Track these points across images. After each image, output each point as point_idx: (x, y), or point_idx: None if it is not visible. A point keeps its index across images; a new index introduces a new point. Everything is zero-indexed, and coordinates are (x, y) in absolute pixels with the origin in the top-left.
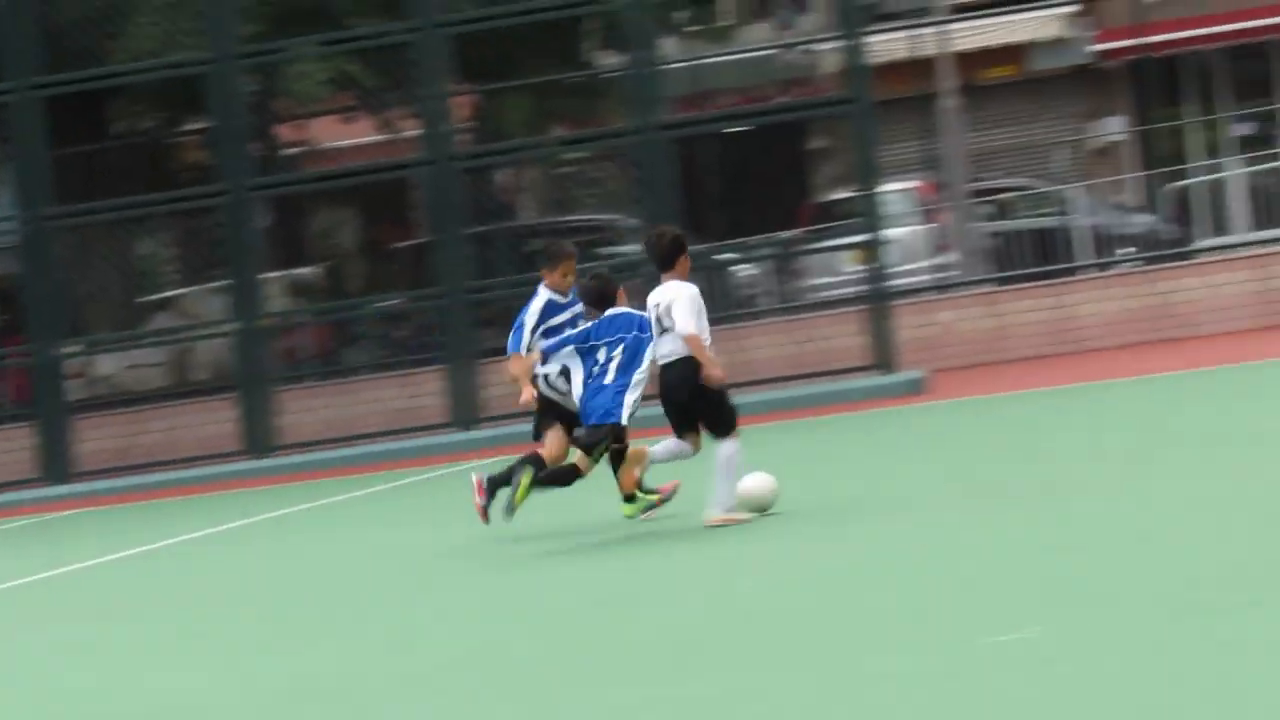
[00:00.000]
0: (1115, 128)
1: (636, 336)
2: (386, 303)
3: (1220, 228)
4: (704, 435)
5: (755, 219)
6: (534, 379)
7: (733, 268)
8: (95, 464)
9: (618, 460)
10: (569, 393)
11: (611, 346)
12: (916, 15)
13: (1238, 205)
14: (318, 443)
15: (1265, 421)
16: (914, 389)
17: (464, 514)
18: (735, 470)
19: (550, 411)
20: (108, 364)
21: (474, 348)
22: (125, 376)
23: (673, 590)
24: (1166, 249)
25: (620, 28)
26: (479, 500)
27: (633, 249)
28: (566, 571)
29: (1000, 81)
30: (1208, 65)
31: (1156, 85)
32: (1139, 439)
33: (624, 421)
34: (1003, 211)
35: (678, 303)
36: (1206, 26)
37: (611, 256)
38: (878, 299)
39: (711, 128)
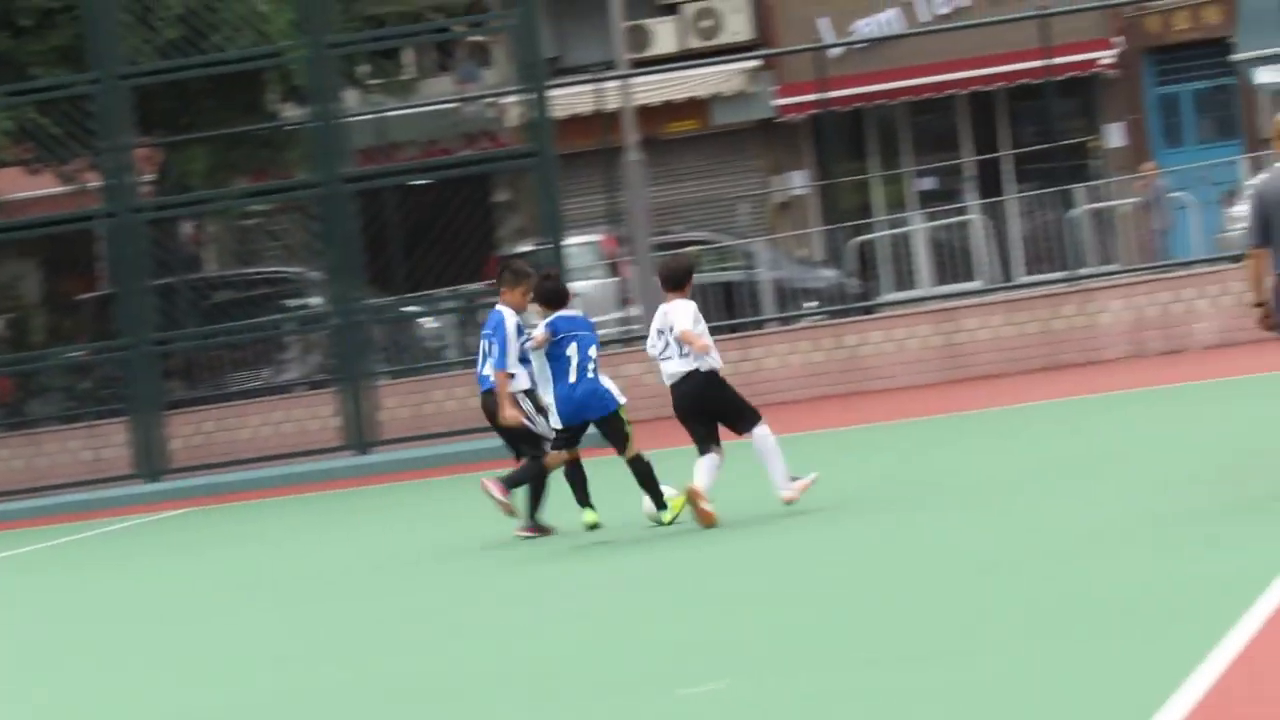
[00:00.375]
0: (798, 182)
1: (590, 335)
2: (71, 354)
3: (904, 282)
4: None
5: (441, 272)
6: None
7: (419, 320)
8: None
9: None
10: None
11: (582, 343)
12: (599, 69)
13: (921, 260)
14: (4, 494)
15: (947, 474)
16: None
17: (153, 564)
18: (777, 448)
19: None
20: None
21: (159, 399)
22: None
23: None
24: (851, 303)
25: (302, 80)
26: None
27: (317, 301)
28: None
29: (683, 135)
30: (891, 120)
31: (839, 140)
32: (823, 492)
33: (622, 401)
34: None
35: (677, 314)
36: (889, 81)
37: (299, 308)
38: None
39: (394, 180)
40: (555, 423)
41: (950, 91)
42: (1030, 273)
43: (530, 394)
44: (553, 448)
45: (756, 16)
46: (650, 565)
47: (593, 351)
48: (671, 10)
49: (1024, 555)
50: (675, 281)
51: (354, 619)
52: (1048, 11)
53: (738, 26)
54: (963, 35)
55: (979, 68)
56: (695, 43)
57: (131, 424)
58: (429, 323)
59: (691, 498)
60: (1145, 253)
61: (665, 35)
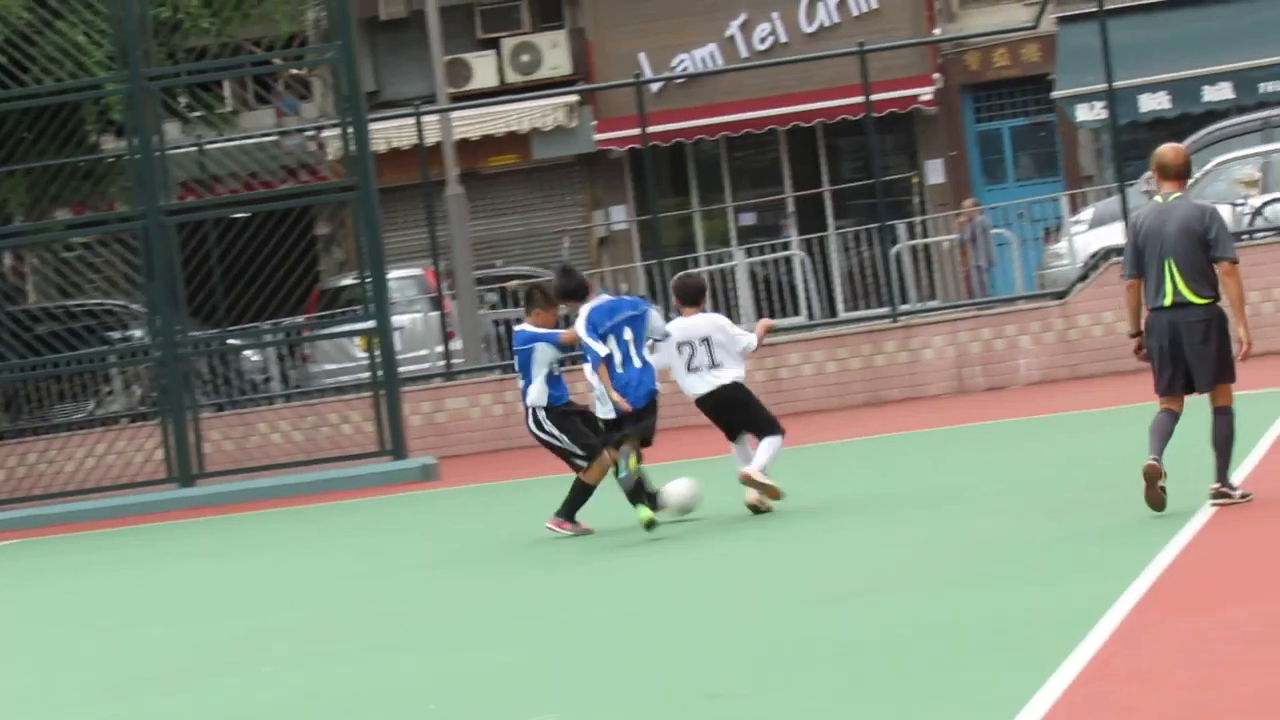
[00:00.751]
0: (619, 217)
1: (645, 310)
2: None
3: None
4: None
5: (263, 305)
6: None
7: (242, 353)
8: None
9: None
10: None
11: (635, 324)
12: (419, 103)
13: (743, 294)
14: None
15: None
16: (424, 475)
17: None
18: (777, 452)
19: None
20: None
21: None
22: None
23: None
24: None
25: (121, 113)
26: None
27: (139, 334)
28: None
29: (504, 169)
30: (711, 155)
31: (660, 174)
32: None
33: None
34: (509, 299)
35: (727, 324)
36: (709, 117)
37: (122, 340)
38: (386, 385)
39: (215, 213)
40: (609, 413)
41: (770, 127)
42: (852, 308)
43: (550, 410)
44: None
45: (576, 51)
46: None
47: (628, 334)
48: (491, 45)
49: (850, 587)
50: (693, 298)
51: (184, 644)
52: (867, 48)
53: (557, 61)
54: (782, 71)
55: (799, 103)
56: (515, 77)
57: None
58: (252, 355)
59: (748, 481)
60: (967, 289)
61: (484, 70)
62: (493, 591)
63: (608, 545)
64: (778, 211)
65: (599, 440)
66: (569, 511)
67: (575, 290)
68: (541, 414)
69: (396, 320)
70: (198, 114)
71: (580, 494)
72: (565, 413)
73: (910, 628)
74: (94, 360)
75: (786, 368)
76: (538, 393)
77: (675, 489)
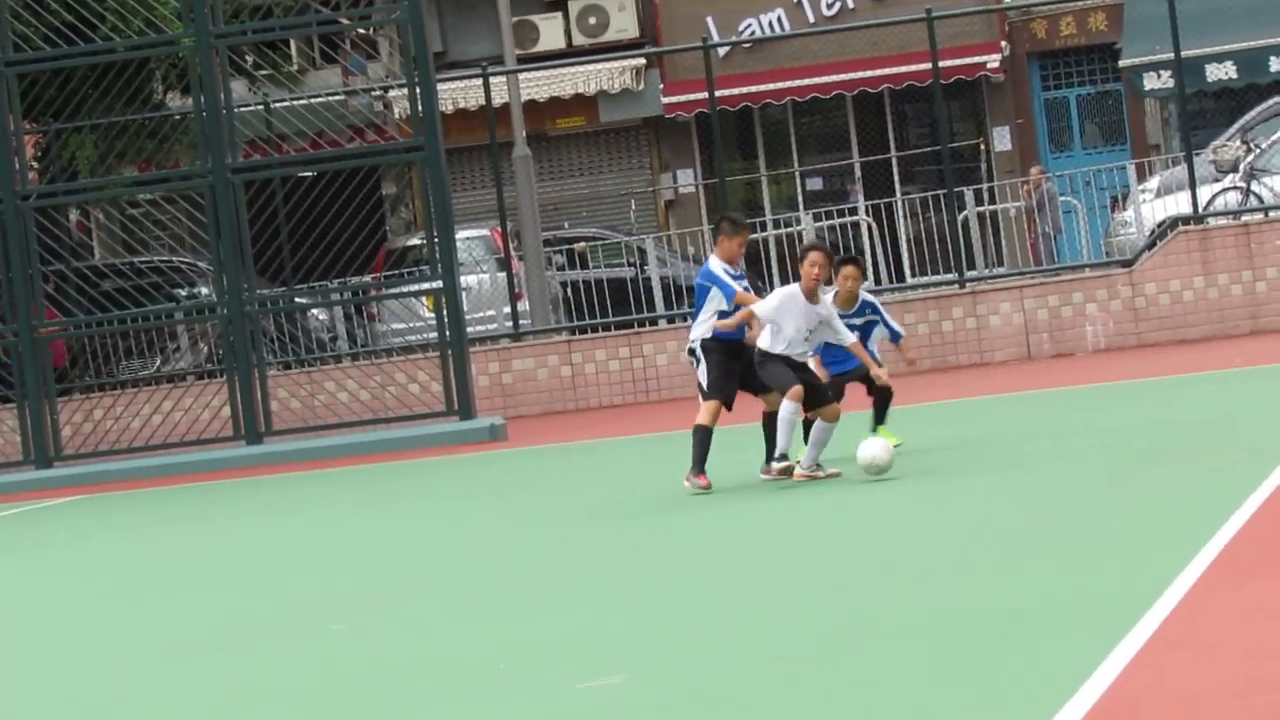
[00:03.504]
0: (686, 180)
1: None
2: None
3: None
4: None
5: (330, 263)
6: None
7: (310, 311)
8: None
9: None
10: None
11: None
12: (486, 64)
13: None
14: None
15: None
16: (492, 435)
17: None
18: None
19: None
20: None
21: (49, 386)
22: None
23: None
24: None
25: (189, 70)
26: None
27: (207, 291)
28: None
29: (571, 131)
30: (778, 120)
31: (727, 138)
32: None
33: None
34: (577, 261)
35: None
36: (776, 81)
37: (191, 296)
38: (454, 345)
39: (282, 172)
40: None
41: (837, 92)
42: (920, 274)
43: (710, 341)
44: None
45: (642, 14)
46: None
47: None
48: (558, 7)
49: (915, 558)
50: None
51: (248, 606)
52: (935, 15)
53: (624, 23)
54: (849, 36)
55: (866, 69)
56: (581, 39)
57: (21, 411)
58: (319, 314)
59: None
60: (1034, 256)
61: (551, 31)
62: (559, 555)
63: (672, 508)
64: (845, 176)
65: (728, 391)
66: (772, 455)
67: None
68: (698, 345)
69: (464, 280)
70: (264, 72)
71: (767, 436)
72: (721, 351)
73: (972, 601)
74: (161, 317)
75: None
76: (703, 328)
77: (870, 448)
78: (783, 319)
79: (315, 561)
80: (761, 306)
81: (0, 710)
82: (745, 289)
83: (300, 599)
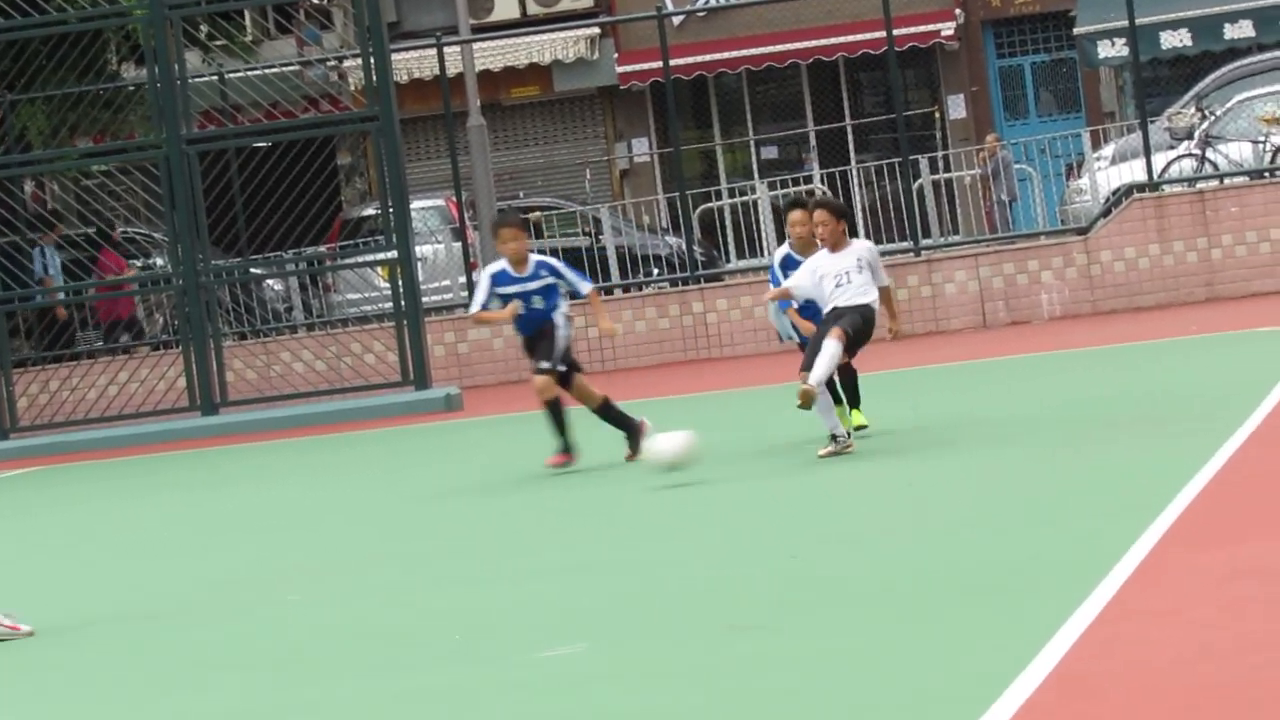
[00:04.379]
0: (640, 149)
1: None
2: None
3: (748, 250)
4: None
5: (286, 234)
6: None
7: (266, 281)
8: None
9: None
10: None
11: None
12: (440, 34)
13: (767, 228)
14: None
15: (799, 440)
16: (447, 405)
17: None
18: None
19: None
20: None
21: (4, 358)
22: None
23: None
24: (697, 270)
25: (143, 42)
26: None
27: (162, 262)
28: None
29: (525, 101)
30: (733, 88)
31: (682, 107)
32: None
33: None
34: (531, 230)
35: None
36: (731, 50)
37: (146, 268)
38: (409, 315)
39: (237, 142)
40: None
41: (792, 60)
42: (874, 242)
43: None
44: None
45: None
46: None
47: None
48: None
49: (872, 526)
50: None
51: (202, 575)
52: None
53: None
54: (804, 5)
55: (821, 38)
56: (536, 9)
57: None
58: (275, 285)
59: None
60: (989, 224)
61: (506, 1)
62: (513, 525)
63: (626, 477)
64: (800, 145)
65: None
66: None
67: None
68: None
69: (419, 250)
70: (219, 43)
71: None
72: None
73: (930, 567)
74: (115, 288)
75: None
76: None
77: (666, 442)
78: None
79: (269, 531)
80: (794, 280)
81: None
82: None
83: (254, 569)
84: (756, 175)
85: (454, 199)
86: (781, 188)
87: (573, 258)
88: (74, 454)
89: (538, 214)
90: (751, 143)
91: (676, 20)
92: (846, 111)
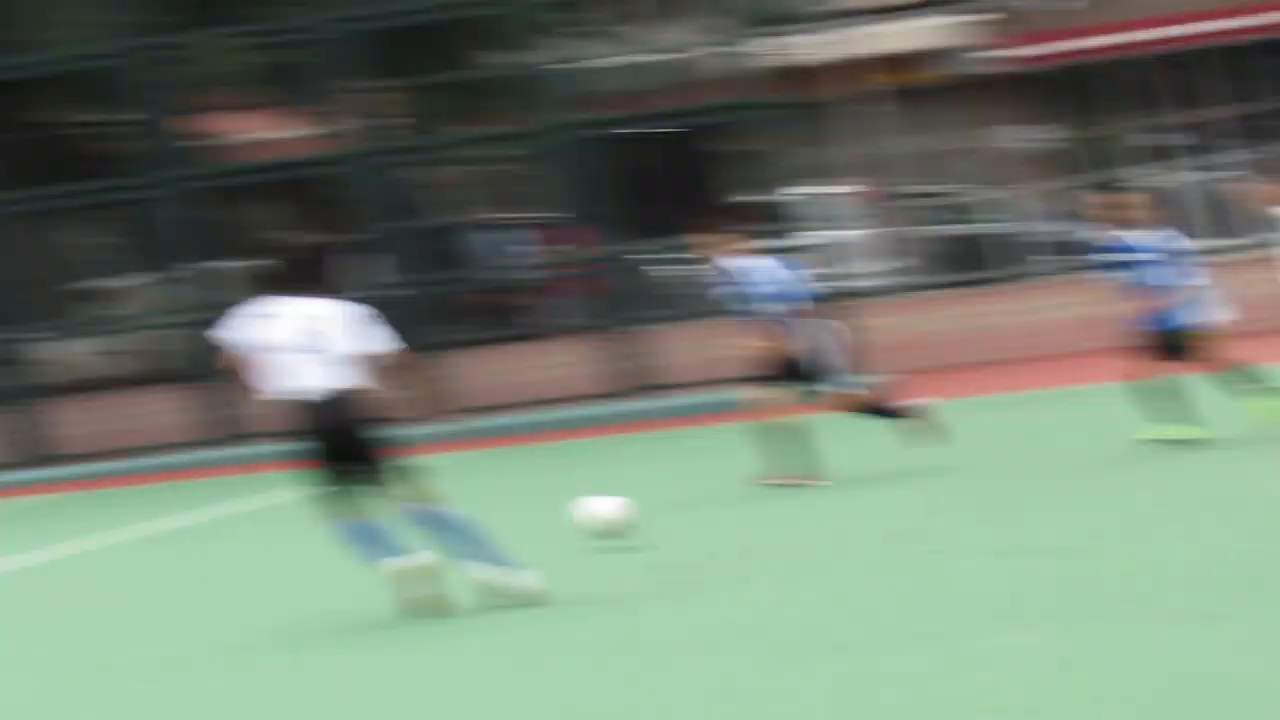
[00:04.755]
0: (1038, 135)
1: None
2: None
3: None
4: None
5: (679, 220)
6: None
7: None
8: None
9: None
10: None
11: None
12: (842, 17)
13: (1194, 214)
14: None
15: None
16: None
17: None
18: None
19: None
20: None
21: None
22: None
23: None
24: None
25: (537, 28)
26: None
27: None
28: None
29: (929, 86)
30: (1143, 72)
31: (1091, 92)
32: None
33: None
34: (945, 216)
35: None
36: (1138, 31)
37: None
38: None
39: (642, 127)
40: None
41: (1195, 44)
42: None
43: None
44: None
45: None
46: None
47: None
48: None
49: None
50: None
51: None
52: None
53: None
54: None
55: (1230, 19)
56: None
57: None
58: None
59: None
60: None
61: None
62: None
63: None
64: (1213, 129)
65: None
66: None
67: None
68: None
69: (845, 236)
70: (617, 29)
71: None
72: None
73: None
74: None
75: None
76: None
77: (603, 507)
78: None
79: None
80: None
81: None
82: None
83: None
84: (1167, 159)
85: (867, 186)
86: (1200, 173)
87: (989, 244)
88: (496, 439)
89: (950, 199)
90: (1160, 128)
91: (1080, 3)
92: (1258, 96)
